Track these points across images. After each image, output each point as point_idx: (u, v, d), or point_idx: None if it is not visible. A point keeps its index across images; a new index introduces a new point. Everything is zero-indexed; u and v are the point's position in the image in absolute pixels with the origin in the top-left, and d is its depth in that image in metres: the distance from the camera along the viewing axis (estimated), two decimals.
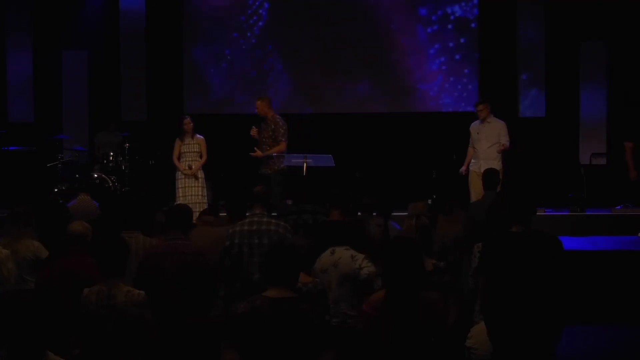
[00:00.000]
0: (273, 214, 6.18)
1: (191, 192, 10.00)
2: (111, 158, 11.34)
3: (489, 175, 8.19)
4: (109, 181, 10.96)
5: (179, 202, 9.87)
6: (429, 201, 9.57)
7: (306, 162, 9.39)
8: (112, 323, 4.48)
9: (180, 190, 10.04)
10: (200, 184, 10.07)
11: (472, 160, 10.15)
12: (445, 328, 4.23)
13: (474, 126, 10.22)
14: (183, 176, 10.04)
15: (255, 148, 9.85)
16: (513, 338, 4.46)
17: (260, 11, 12.77)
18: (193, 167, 10.02)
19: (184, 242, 5.34)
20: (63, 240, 5.39)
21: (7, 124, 12.59)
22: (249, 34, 12.74)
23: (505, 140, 10.02)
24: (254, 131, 9.79)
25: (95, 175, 11.04)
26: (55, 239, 6.00)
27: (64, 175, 11.34)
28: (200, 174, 10.11)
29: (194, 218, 9.62)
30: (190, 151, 10.06)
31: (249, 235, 5.57)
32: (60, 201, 8.98)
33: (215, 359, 3.90)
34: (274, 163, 9.78)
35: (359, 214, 6.86)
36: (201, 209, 9.72)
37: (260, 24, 12.76)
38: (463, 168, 10.27)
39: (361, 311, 4.33)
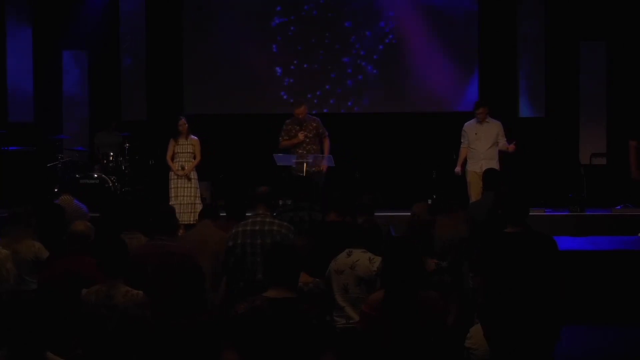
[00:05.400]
0: (274, 213, 6.18)
1: (184, 192, 10.03)
2: (111, 158, 11.34)
3: (489, 176, 8.19)
4: (109, 181, 10.96)
5: (171, 203, 9.91)
6: (429, 201, 9.58)
7: (306, 162, 9.42)
8: (112, 323, 4.48)
9: (172, 190, 10.06)
10: (193, 185, 10.08)
11: (470, 161, 10.14)
12: (444, 328, 4.23)
13: (470, 126, 10.22)
14: (176, 177, 10.06)
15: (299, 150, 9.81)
16: (510, 339, 4.46)
17: (261, 11, 12.77)
18: (186, 167, 10.03)
19: (167, 242, 5.35)
20: (64, 240, 5.39)
21: (7, 124, 12.57)
22: (249, 34, 12.74)
23: (504, 141, 10.05)
24: (302, 135, 9.78)
25: (95, 175, 11.05)
26: (56, 239, 6.00)
27: (64, 175, 11.34)
28: (194, 175, 10.12)
29: (190, 218, 9.73)
30: (184, 152, 10.08)
31: (252, 235, 5.58)
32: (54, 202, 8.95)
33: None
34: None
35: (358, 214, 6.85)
36: (194, 210, 9.78)
37: (261, 24, 12.77)
38: (458, 168, 10.27)
39: (360, 311, 4.33)
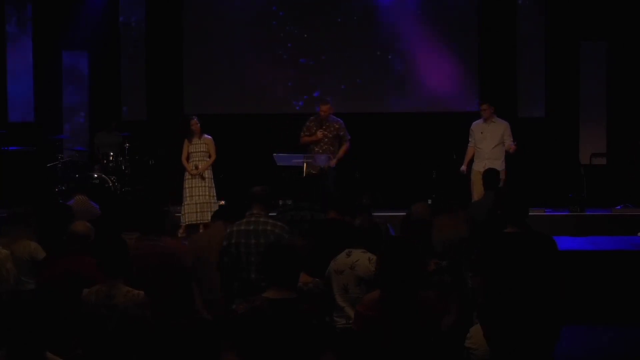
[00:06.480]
0: (272, 213, 6.18)
1: (198, 192, 10.07)
2: (111, 158, 11.35)
3: (489, 175, 8.20)
4: (109, 181, 10.96)
5: (186, 203, 10.03)
6: (429, 201, 9.58)
7: (306, 162, 9.43)
8: (112, 323, 4.48)
9: (187, 190, 10.10)
10: (207, 184, 10.13)
11: (475, 160, 10.14)
12: (441, 328, 4.22)
13: (477, 125, 10.23)
14: (190, 177, 10.10)
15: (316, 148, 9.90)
16: (510, 339, 4.46)
17: (261, 11, 12.78)
18: (199, 167, 10.06)
19: (155, 242, 5.34)
20: (64, 240, 5.39)
21: (7, 124, 12.59)
22: (249, 34, 12.74)
23: (510, 141, 10.03)
24: (320, 133, 9.85)
25: (95, 175, 11.05)
26: (56, 240, 5.99)
27: (64, 175, 11.35)
28: (208, 174, 10.16)
29: (207, 218, 9.71)
30: (198, 151, 10.12)
31: (246, 235, 5.58)
32: (60, 201, 8.97)
33: None
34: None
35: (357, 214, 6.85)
36: (209, 209, 9.79)
37: (261, 24, 12.77)
38: (463, 167, 10.27)
39: (355, 311, 4.33)
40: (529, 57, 12.35)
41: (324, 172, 9.69)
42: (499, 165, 9.75)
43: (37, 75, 12.87)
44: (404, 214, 6.60)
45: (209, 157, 10.16)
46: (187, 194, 10.08)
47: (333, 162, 9.85)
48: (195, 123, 10.14)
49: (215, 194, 10.20)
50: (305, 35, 12.75)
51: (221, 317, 5.44)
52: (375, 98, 12.71)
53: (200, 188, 10.08)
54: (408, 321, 4.03)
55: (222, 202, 10.41)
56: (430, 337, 4.07)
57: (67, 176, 11.30)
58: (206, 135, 10.21)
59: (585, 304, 7.40)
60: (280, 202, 9.66)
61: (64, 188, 11.00)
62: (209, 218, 9.56)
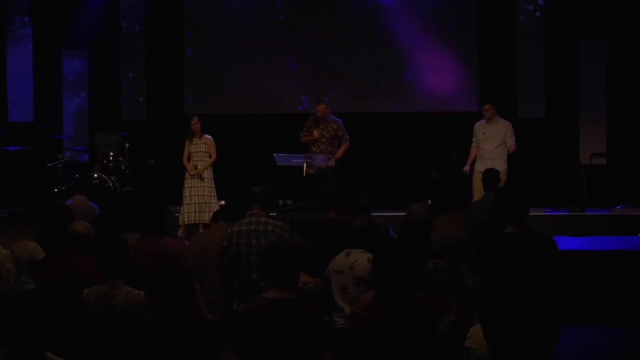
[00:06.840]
0: (272, 213, 6.18)
1: (197, 192, 10.09)
2: (111, 158, 11.35)
3: (488, 175, 8.19)
4: (109, 181, 10.97)
5: (185, 203, 10.06)
6: (429, 201, 9.58)
7: (306, 162, 9.43)
8: (112, 323, 4.49)
9: (186, 190, 10.12)
10: (206, 184, 10.14)
11: (478, 160, 10.13)
12: (440, 328, 4.22)
13: (480, 126, 10.21)
14: (190, 177, 10.12)
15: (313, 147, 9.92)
16: (510, 339, 4.46)
17: (261, 11, 12.78)
18: (199, 167, 10.07)
19: (156, 242, 5.35)
20: (64, 240, 5.39)
21: (7, 124, 12.60)
22: (249, 34, 12.74)
23: (512, 142, 10.02)
24: (317, 133, 9.87)
25: (95, 175, 11.05)
26: (56, 240, 5.99)
27: (64, 175, 11.36)
28: (207, 174, 10.17)
29: (206, 218, 9.72)
30: (198, 151, 10.14)
31: (247, 235, 5.58)
32: (60, 201, 8.97)
33: None
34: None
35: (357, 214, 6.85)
36: (208, 209, 9.80)
37: (261, 24, 12.77)
38: (467, 167, 10.27)
39: (350, 312, 4.33)
40: (529, 57, 12.35)
41: (321, 172, 9.69)
42: (501, 165, 9.73)
43: (37, 75, 12.88)
44: (404, 214, 6.60)
45: (210, 157, 10.17)
46: (187, 194, 10.11)
47: (332, 162, 9.85)
48: (195, 123, 10.16)
49: (215, 194, 10.21)
50: (306, 36, 12.74)
51: (221, 317, 5.44)
52: (375, 98, 12.71)
53: (199, 188, 10.10)
54: (407, 321, 4.03)
55: (222, 203, 10.44)
56: (430, 337, 4.08)
57: (67, 176, 11.31)
58: (207, 135, 10.22)
59: (585, 304, 7.40)
60: (280, 202, 9.66)
61: (64, 188, 11.01)
62: (208, 218, 9.60)
